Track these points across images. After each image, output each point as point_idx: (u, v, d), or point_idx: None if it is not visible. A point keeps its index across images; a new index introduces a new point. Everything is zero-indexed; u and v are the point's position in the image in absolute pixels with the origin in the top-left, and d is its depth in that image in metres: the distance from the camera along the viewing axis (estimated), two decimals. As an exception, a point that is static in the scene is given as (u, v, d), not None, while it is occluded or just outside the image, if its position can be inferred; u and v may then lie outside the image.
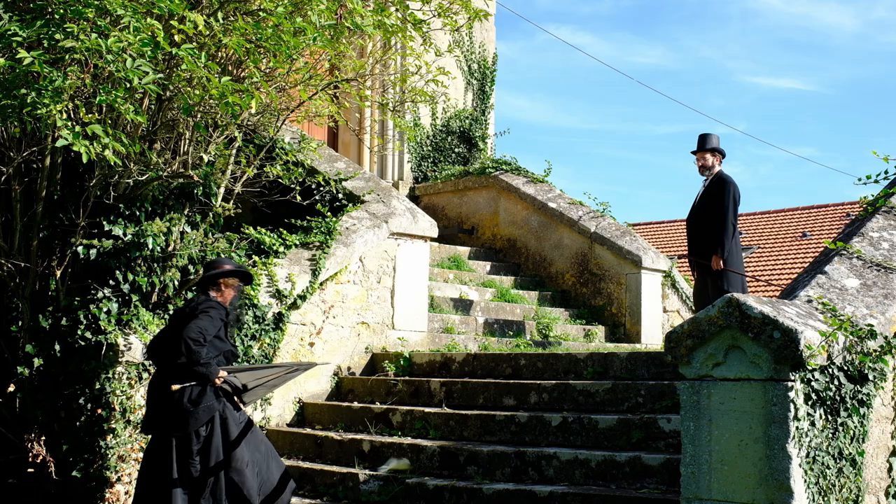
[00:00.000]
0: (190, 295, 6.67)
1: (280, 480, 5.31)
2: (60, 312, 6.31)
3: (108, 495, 5.99)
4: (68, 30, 5.06)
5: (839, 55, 63.57)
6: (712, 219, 7.79)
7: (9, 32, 5.10)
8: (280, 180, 7.44)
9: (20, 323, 6.43)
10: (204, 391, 5.06)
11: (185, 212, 6.75)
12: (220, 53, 6.39)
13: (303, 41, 6.17)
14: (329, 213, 7.73)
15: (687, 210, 8.25)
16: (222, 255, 6.68)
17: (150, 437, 5.27)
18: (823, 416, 4.01)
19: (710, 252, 7.74)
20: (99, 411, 6.01)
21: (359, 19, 6.49)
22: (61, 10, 5.19)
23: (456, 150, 11.98)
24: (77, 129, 5.08)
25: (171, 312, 5.89)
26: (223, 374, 5.16)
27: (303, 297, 7.10)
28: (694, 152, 8.09)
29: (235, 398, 5.28)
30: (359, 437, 6.37)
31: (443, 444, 5.90)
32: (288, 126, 8.67)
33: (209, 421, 5.07)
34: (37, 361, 6.23)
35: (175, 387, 5.01)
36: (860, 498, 4.20)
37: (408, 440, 6.15)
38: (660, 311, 9.36)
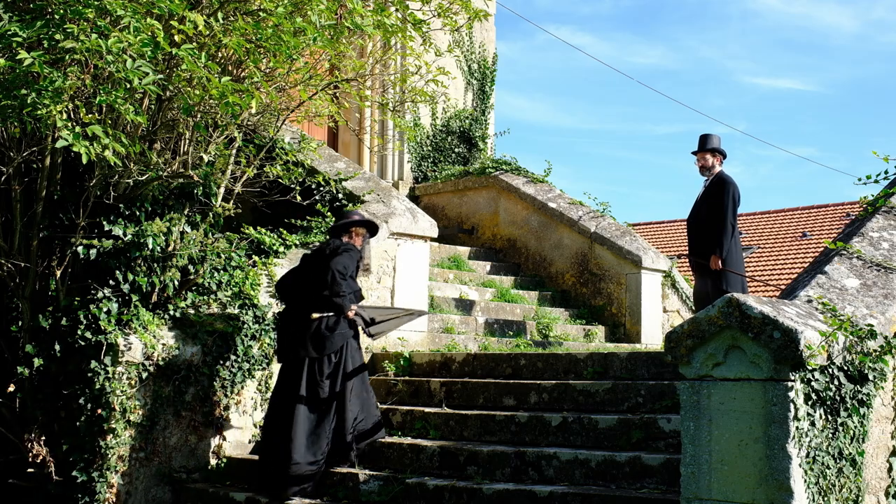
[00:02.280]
0: (190, 296, 6.69)
1: (374, 427, 6.07)
2: (60, 312, 6.31)
3: (108, 495, 5.99)
4: (68, 30, 5.06)
5: (839, 55, 63.57)
6: (712, 219, 7.79)
7: (9, 33, 5.10)
8: (280, 180, 7.44)
9: (20, 323, 6.43)
10: (338, 321, 5.89)
11: (185, 212, 6.75)
12: (220, 53, 6.39)
13: (303, 41, 6.17)
14: (329, 213, 7.73)
15: (687, 210, 8.26)
16: (222, 255, 6.79)
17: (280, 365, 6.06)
18: (823, 416, 4.01)
19: (710, 252, 7.74)
20: (99, 411, 6.01)
21: (359, 19, 6.49)
22: (61, 11, 5.19)
23: (456, 150, 11.98)
24: (77, 129, 5.08)
25: (306, 253, 6.49)
26: (355, 307, 5.98)
27: (303, 297, 7.09)
28: (694, 153, 8.10)
29: (364, 330, 6.12)
30: (359, 437, 6.36)
31: (443, 444, 5.89)
32: (288, 126, 8.67)
33: (339, 349, 5.87)
34: (37, 361, 6.23)
35: (315, 315, 5.87)
36: (860, 498, 4.20)
37: (408, 440, 6.14)
38: (660, 311, 9.36)
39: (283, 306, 6.31)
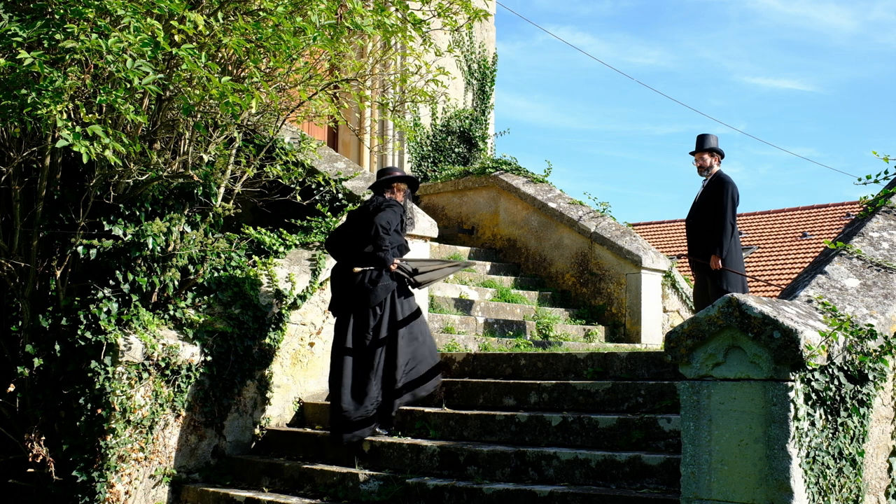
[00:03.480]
0: (190, 296, 6.69)
1: (428, 372, 6.34)
2: (60, 312, 6.31)
3: (108, 495, 5.99)
4: (68, 30, 5.06)
5: (838, 56, 63.54)
6: (711, 219, 7.79)
7: (9, 33, 5.10)
8: (280, 180, 7.44)
9: (20, 323, 6.43)
10: (381, 274, 6.15)
11: (185, 212, 6.75)
12: (220, 53, 6.39)
13: (303, 41, 6.17)
14: (329, 213, 7.73)
15: (687, 210, 8.26)
16: (222, 255, 6.81)
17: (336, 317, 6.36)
18: (823, 416, 4.01)
19: (710, 252, 7.74)
20: (99, 411, 6.01)
21: (359, 19, 6.49)
22: (61, 11, 5.19)
23: (456, 150, 11.99)
24: (77, 129, 5.08)
25: (352, 210, 6.83)
26: (397, 261, 6.25)
27: (303, 297, 7.10)
28: (693, 153, 8.10)
29: (409, 280, 6.38)
30: (359, 437, 6.36)
31: (443, 444, 5.89)
32: (288, 126, 8.67)
33: (384, 302, 6.14)
34: (37, 361, 6.23)
35: (357, 269, 6.13)
36: (860, 498, 4.20)
37: (408, 440, 6.14)
38: (660, 311, 9.36)
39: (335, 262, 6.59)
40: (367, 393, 6.09)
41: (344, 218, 7.34)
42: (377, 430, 6.22)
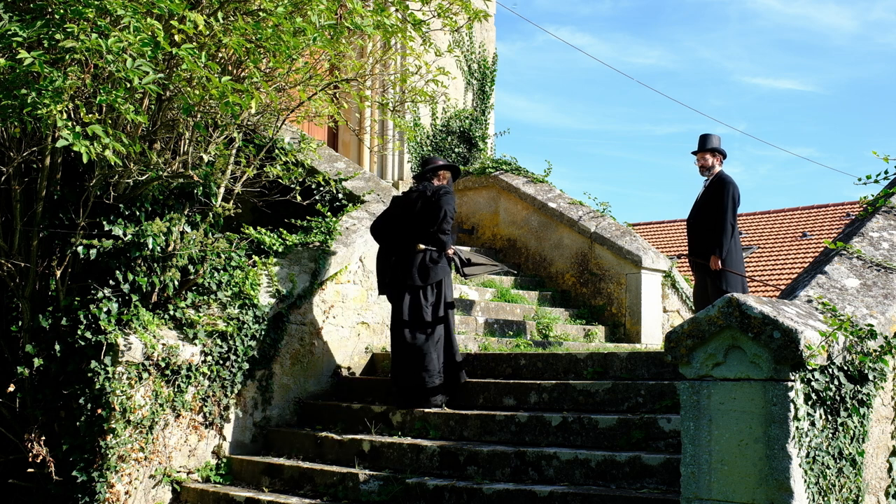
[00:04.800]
0: (190, 296, 6.68)
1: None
2: (60, 312, 6.31)
3: (108, 495, 5.99)
4: (68, 30, 5.06)
5: (838, 56, 63.56)
6: (712, 219, 7.79)
7: (9, 32, 5.09)
8: (280, 180, 7.44)
9: (20, 323, 6.43)
10: (440, 256, 6.60)
11: (185, 212, 6.75)
12: (220, 53, 6.39)
13: (303, 41, 6.17)
14: (329, 213, 7.73)
15: (687, 210, 8.26)
16: (222, 255, 6.81)
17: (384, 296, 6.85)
18: (823, 416, 4.01)
19: (710, 252, 7.74)
20: (99, 411, 6.01)
21: (359, 19, 6.49)
22: (61, 10, 5.18)
23: (456, 150, 11.98)
24: (77, 129, 5.07)
25: (396, 196, 7.08)
26: (453, 247, 6.72)
27: (303, 297, 7.10)
28: (694, 152, 8.10)
29: (459, 269, 6.85)
30: (359, 437, 6.36)
31: (443, 444, 5.89)
32: (288, 126, 8.67)
33: (439, 282, 6.56)
34: (37, 361, 6.23)
35: (421, 246, 6.56)
36: (860, 498, 4.20)
37: (408, 440, 6.14)
38: (660, 311, 9.36)
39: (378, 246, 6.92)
40: (428, 365, 6.45)
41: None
42: (440, 401, 6.50)
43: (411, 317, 6.54)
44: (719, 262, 7.68)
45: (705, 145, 8.04)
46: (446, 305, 6.63)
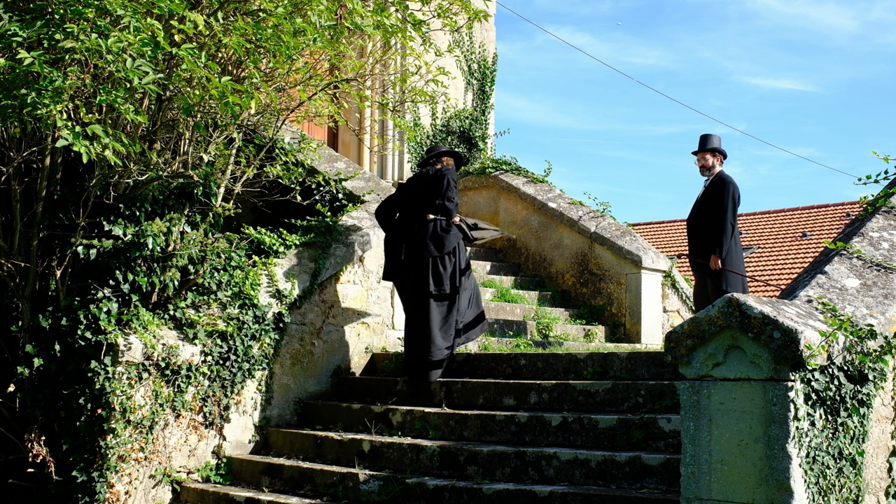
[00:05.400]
0: (190, 296, 6.68)
1: (475, 318, 7.10)
2: (60, 312, 6.31)
3: (108, 495, 5.99)
4: (68, 30, 5.06)
5: (838, 56, 63.57)
6: (712, 219, 7.79)
7: (9, 32, 5.09)
8: (280, 180, 7.44)
9: (20, 323, 6.43)
10: (449, 224, 6.91)
11: (185, 212, 6.75)
12: (220, 53, 6.39)
13: (303, 41, 6.17)
14: (329, 213, 7.73)
15: (687, 210, 8.26)
16: (222, 255, 6.81)
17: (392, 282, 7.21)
18: (823, 416, 4.01)
19: (710, 252, 7.74)
20: (99, 411, 6.01)
21: (359, 19, 6.49)
22: (61, 10, 5.18)
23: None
24: (77, 129, 5.07)
25: (401, 182, 7.77)
26: (459, 215, 7.03)
27: (303, 297, 7.10)
28: (695, 152, 8.10)
29: (467, 234, 7.08)
30: (359, 437, 6.36)
31: (443, 444, 5.89)
32: (288, 126, 8.67)
33: (454, 250, 6.85)
34: (37, 361, 6.23)
35: (430, 216, 6.88)
36: (860, 498, 4.20)
37: (408, 440, 6.14)
38: (660, 311, 9.36)
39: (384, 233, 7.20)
40: (450, 332, 6.80)
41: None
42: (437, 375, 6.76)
43: (435, 287, 6.78)
44: (719, 262, 7.68)
45: (705, 145, 8.04)
46: (461, 272, 6.90)
